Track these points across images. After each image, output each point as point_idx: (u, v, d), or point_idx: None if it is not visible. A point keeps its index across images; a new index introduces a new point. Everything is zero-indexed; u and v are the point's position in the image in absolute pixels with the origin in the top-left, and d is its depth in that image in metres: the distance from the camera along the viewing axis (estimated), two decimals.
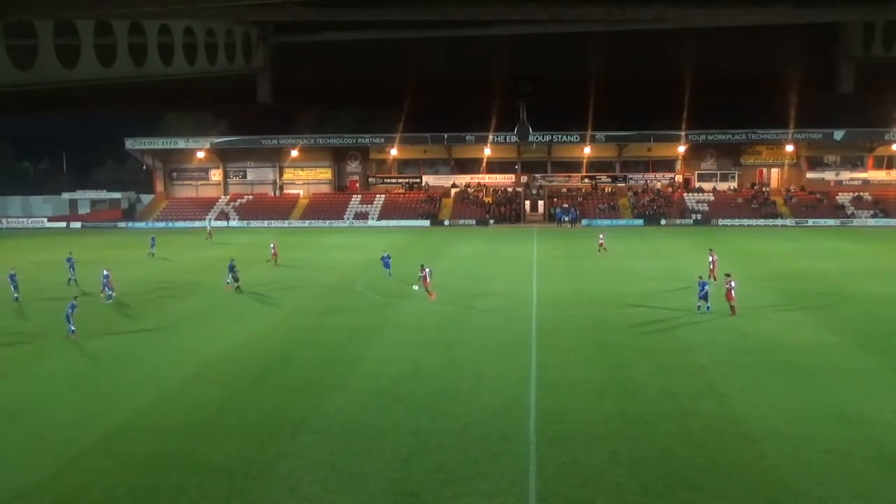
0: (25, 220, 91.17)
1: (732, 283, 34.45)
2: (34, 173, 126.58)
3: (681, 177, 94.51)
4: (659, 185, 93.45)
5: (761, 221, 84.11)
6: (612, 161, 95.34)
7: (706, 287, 35.50)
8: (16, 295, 39.95)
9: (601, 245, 58.37)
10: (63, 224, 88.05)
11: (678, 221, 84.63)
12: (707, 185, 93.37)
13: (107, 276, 40.03)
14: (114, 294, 39.63)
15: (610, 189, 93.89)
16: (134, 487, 17.91)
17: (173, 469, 18.80)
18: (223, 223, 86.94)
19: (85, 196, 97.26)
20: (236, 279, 41.95)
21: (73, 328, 31.82)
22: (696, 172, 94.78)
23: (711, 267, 44.44)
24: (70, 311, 32.06)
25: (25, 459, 19.56)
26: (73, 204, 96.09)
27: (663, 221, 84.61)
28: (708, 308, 35.01)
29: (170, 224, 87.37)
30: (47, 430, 21.55)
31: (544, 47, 12.11)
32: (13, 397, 24.71)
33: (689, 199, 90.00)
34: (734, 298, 34.24)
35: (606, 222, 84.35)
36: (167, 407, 23.57)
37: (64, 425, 21.94)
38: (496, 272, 49.70)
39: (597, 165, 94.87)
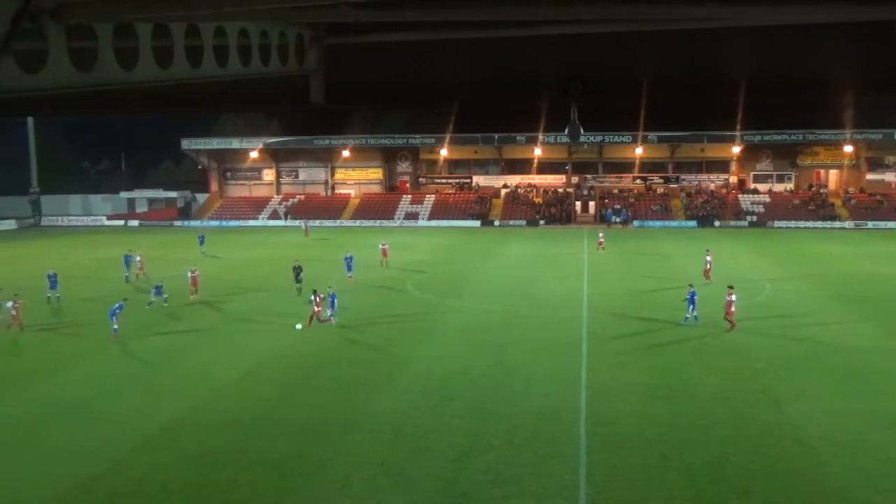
0: (85, 217, 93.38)
1: (733, 297, 31.80)
2: (94, 173, 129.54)
3: (735, 178, 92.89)
4: (713, 186, 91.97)
5: (818, 224, 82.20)
6: (664, 162, 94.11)
7: (696, 296, 33.19)
8: (57, 295, 39.96)
9: (601, 244, 59.75)
10: (121, 222, 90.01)
11: (732, 223, 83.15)
12: (763, 187, 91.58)
13: (158, 288, 39.46)
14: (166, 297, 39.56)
15: (662, 190, 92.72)
16: (188, 482, 18.24)
17: (226, 465, 19.09)
18: (279, 222, 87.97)
19: (142, 195, 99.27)
20: (298, 281, 41.46)
21: (115, 328, 32.27)
22: (752, 173, 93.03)
23: (707, 268, 43.57)
24: (116, 310, 32.58)
25: (84, 452, 20.05)
26: (131, 203, 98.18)
27: (717, 223, 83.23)
28: (696, 318, 33.00)
29: (223, 223, 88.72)
30: (104, 425, 22.07)
31: (595, 47, 11.97)
32: (72, 392, 25.35)
33: (744, 200, 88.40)
34: (733, 313, 31.70)
35: (658, 224, 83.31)
36: (219, 404, 23.94)
37: (120, 420, 22.44)
38: (546, 273, 49.45)
39: (649, 166, 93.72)
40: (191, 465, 19.17)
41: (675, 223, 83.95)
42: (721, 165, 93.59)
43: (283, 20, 11.38)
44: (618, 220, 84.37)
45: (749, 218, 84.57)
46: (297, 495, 17.47)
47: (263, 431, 21.42)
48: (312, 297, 34.13)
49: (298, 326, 33.23)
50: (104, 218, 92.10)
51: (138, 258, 48.42)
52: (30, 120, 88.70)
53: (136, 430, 21.60)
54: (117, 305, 32.86)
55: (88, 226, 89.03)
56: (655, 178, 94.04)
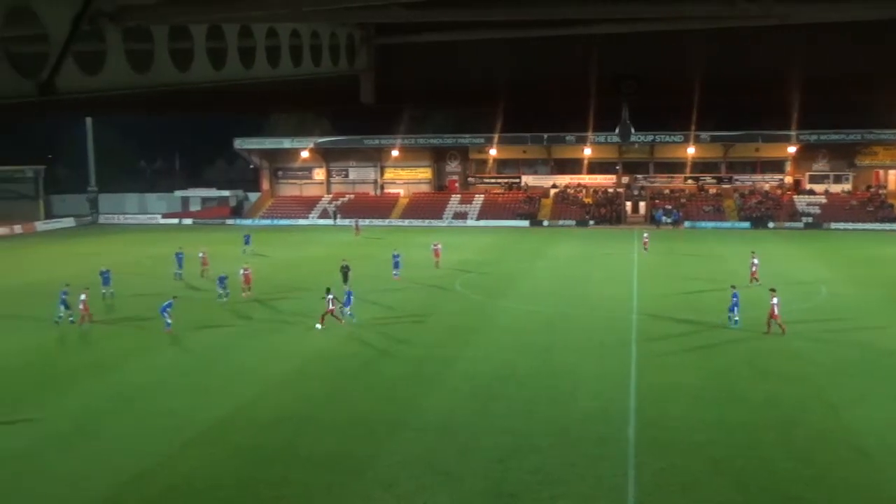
0: (141, 216, 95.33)
1: (776, 300, 31.14)
2: (150, 172, 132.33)
3: (791, 178, 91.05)
4: (767, 186, 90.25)
5: (877, 225, 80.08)
6: (717, 162, 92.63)
7: (737, 298, 32.69)
8: (111, 291, 40.87)
9: (644, 244, 59.41)
10: (175, 220, 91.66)
11: (787, 225, 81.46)
12: (819, 188, 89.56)
13: (222, 280, 40.40)
14: (225, 292, 40.19)
15: (715, 190, 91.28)
16: (239, 478, 18.52)
17: (276, 461, 19.34)
18: (329, 221, 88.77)
19: (196, 194, 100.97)
20: (346, 281, 41.32)
21: (169, 321, 33.01)
22: (808, 174, 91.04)
23: (753, 270, 42.74)
24: (167, 307, 33.22)
25: (138, 445, 20.50)
26: (184, 201, 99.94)
27: (771, 224, 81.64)
28: (736, 322, 32.47)
29: (274, 222, 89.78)
30: (158, 419, 22.53)
31: (646, 45, 11.82)
32: (127, 385, 25.93)
33: (800, 201, 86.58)
34: (778, 316, 31.08)
35: (711, 224, 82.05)
36: (269, 400, 24.26)
37: (173, 414, 22.89)
38: (595, 273, 49.11)
39: (701, 166, 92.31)
40: (242, 461, 19.47)
41: (727, 224, 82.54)
42: (776, 165, 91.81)
43: (335, 21, 11.48)
44: (668, 220, 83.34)
45: (804, 219, 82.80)
46: (344, 492, 17.62)
47: (312, 428, 21.66)
48: (326, 297, 33.59)
49: (318, 327, 33.05)
50: (159, 216, 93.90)
51: (202, 254, 49.46)
52: (88, 120, 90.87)
53: (189, 424, 22.00)
54: (168, 302, 33.54)
55: (144, 224, 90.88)
56: (708, 179, 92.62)
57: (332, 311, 33.31)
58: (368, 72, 13.00)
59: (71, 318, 34.74)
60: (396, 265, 46.69)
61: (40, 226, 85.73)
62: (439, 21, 10.85)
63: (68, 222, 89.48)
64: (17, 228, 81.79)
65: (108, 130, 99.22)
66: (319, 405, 23.69)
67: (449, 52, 12.61)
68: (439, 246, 52.63)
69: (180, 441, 20.76)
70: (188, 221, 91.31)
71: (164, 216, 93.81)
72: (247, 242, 60.93)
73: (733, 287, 33.69)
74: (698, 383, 25.28)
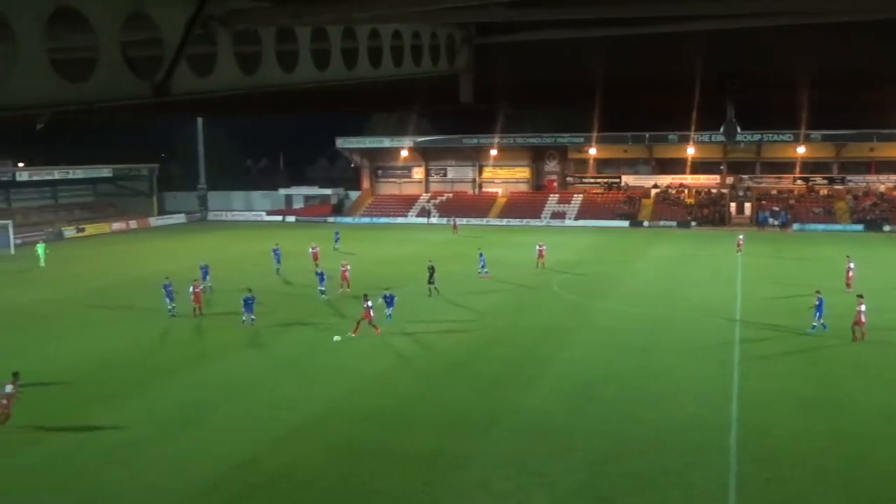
0: (247, 213, 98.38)
1: (863, 308, 29.96)
2: (255, 171, 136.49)
3: None
4: (882, 187, 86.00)
5: None
6: (828, 162, 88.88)
7: (823, 304, 31.52)
8: (209, 285, 41.19)
9: (739, 246, 57.92)
10: (279, 218, 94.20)
11: None
12: None
13: (321, 275, 41.37)
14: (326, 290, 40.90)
15: (826, 192, 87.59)
16: (337, 469, 18.92)
17: (372, 455, 19.64)
18: (423, 220, 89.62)
19: (299, 192, 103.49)
20: (431, 281, 41.05)
21: (253, 317, 33.99)
22: None
23: (849, 275, 40.71)
24: (250, 301, 34.07)
25: (241, 435, 21.18)
26: (288, 199, 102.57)
27: (886, 227, 77.73)
28: (824, 326, 31.24)
29: (374, 220, 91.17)
30: (259, 410, 23.22)
31: (753, 41, 11.44)
32: (230, 377, 26.82)
33: None
34: (864, 323, 29.80)
35: (821, 227, 78.77)
36: (364, 395, 24.66)
37: (273, 406, 23.54)
38: (697, 275, 47.90)
39: (811, 166, 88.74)
40: (338, 454, 19.86)
41: (838, 227, 79.02)
42: (892, 165, 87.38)
43: (436, 21, 11.57)
44: (776, 222, 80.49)
45: None
46: (439, 490, 17.74)
47: (407, 425, 21.90)
48: (364, 303, 31.85)
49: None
50: (264, 213, 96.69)
51: (314, 250, 51.20)
52: (199, 121, 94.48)
53: (288, 416, 22.60)
54: (249, 297, 34.24)
55: (249, 220, 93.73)
56: (818, 179, 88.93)
57: (368, 317, 31.45)
58: (468, 71, 13.06)
59: (174, 310, 36.16)
60: (482, 263, 47.00)
61: (154, 221, 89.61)
62: (538, 20, 10.80)
63: (179, 218, 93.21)
64: (133, 224, 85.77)
65: (217, 130, 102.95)
66: (415, 402, 23.93)
67: (548, 50, 12.53)
68: (544, 247, 51.94)
69: (282, 432, 21.34)
70: (291, 219, 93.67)
71: (269, 213, 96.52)
72: (336, 240, 62.10)
73: (818, 292, 32.40)
74: (804, 391, 24.34)
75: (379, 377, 26.71)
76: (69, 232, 77.03)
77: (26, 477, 18.82)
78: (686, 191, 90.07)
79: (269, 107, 16.58)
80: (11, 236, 65.32)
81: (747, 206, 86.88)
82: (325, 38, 9.76)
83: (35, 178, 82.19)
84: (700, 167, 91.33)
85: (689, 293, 41.48)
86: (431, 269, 41.57)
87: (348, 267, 43.00)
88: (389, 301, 34.36)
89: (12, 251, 62.82)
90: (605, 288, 43.58)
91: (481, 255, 47.68)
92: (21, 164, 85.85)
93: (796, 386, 24.83)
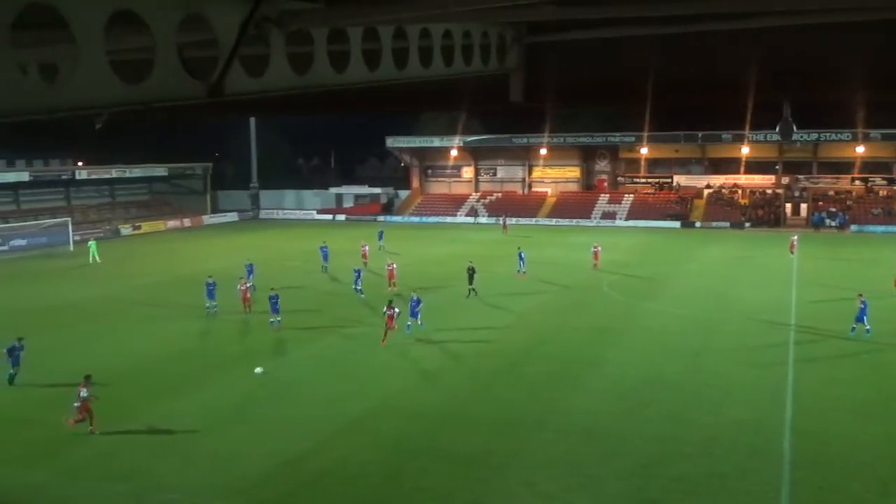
0: (298, 211, 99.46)
1: None
2: (306, 170, 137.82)
3: None
4: None
5: None
6: (889, 162, 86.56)
7: (866, 307, 30.84)
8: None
9: (792, 247, 56.62)
10: (329, 216, 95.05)
11: None
12: None
13: (358, 272, 41.42)
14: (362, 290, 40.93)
15: (886, 192, 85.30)
16: (384, 466, 19.04)
17: (420, 453, 19.73)
18: (470, 220, 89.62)
19: (349, 191, 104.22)
20: (471, 283, 40.44)
21: (279, 318, 33.63)
22: None
23: None
24: (273, 299, 33.89)
25: (293, 430, 21.46)
26: (338, 198, 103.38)
27: None
28: (867, 331, 30.51)
29: (423, 219, 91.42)
30: (309, 407, 23.49)
31: (810, 38, 11.17)
32: (278, 375, 27.11)
33: None
34: None
35: (880, 228, 76.73)
36: (414, 393, 24.78)
37: (325, 403, 23.80)
38: (750, 277, 47.04)
39: (871, 166, 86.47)
40: (387, 452, 19.99)
41: None
42: None
43: (486, 20, 11.56)
44: (833, 223, 78.69)
45: None
46: (485, 489, 17.75)
47: (455, 423, 21.94)
48: (388, 311, 30.37)
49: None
50: (314, 212, 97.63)
51: (365, 247, 51.94)
52: (252, 120, 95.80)
53: (337, 413, 22.81)
54: (273, 295, 34.02)
55: (300, 219, 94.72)
56: (878, 179, 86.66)
57: (391, 326, 30.17)
58: (518, 71, 13.01)
59: (214, 309, 36.63)
60: (522, 262, 46.88)
61: (207, 219, 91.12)
62: (588, 18, 10.72)
63: (232, 217, 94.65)
64: (187, 222, 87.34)
65: (270, 130, 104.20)
66: (463, 401, 23.95)
67: (599, 48, 12.43)
68: (599, 248, 51.24)
69: (332, 428, 21.57)
70: (341, 217, 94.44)
71: (319, 212, 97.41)
72: (380, 239, 62.47)
73: (860, 295, 31.64)
74: (862, 396, 23.76)
75: (427, 376, 26.81)
76: (126, 230, 78.75)
77: (84, 469, 19.33)
78: (740, 191, 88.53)
79: (320, 106, 16.74)
80: (70, 233, 67.06)
81: (803, 206, 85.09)
82: (377, 39, 9.82)
83: (93, 176, 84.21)
84: (754, 167, 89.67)
85: (742, 295, 40.78)
86: (471, 270, 41.00)
87: (395, 265, 43.16)
88: (415, 306, 32.38)
89: (71, 248, 64.44)
90: (655, 289, 43.09)
91: (521, 254, 47.47)
92: (80, 164, 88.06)
93: (853, 391, 24.26)
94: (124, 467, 19.26)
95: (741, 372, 26.48)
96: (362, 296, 40.33)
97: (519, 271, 46.70)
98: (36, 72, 9.45)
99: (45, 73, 9.25)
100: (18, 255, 61.92)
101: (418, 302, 32.60)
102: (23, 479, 18.81)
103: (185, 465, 19.29)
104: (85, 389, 21.45)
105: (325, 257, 50.07)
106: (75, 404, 21.39)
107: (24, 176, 76.45)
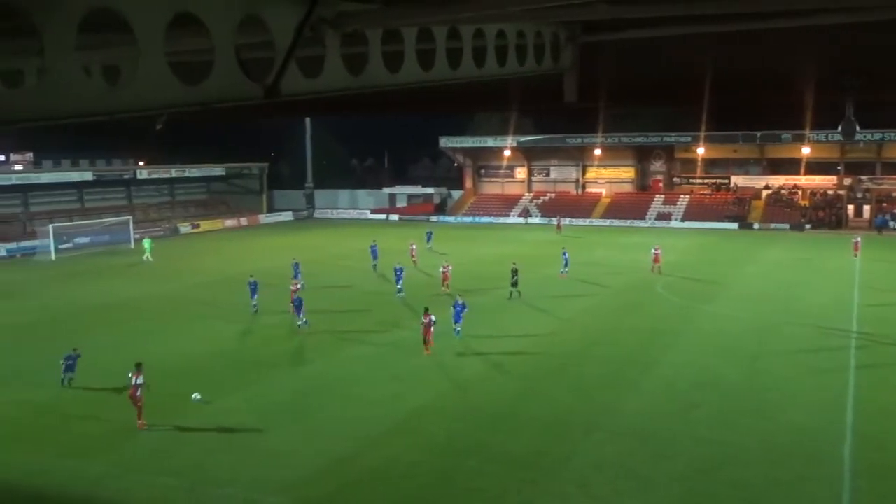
0: (352, 211, 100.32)
1: None
2: (360, 170, 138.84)
3: None
4: None
5: None
6: None
7: None
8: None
9: (855, 248, 55.44)
10: (383, 216, 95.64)
11: None
12: None
13: (399, 271, 41.46)
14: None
15: None
16: (435, 466, 19.10)
17: (471, 453, 19.73)
18: (521, 220, 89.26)
19: (402, 191, 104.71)
20: (515, 283, 39.93)
21: (305, 320, 33.36)
22: None
23: None
24: (296, 303, 33.92)
25: (345, 430, 21.64)
26: (392, 198, 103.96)
27: None
28: None
29: (476, 219, 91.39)
30: (360, 407, 23.64)
31: (873, 35, 10.88)
32: (327, 374, 27.40)
33: None
34: None
35: None
36: (463, 395, 24.77)
37: (373, 403, 23.93)
38: (810, 280, 45.96)
39: None
40: (438, 452, 20.04)
41: None
42: None
43: (540, 20, 11.52)
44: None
45: None
46: (538, 490, 17.67)
47: (506, 424, 21.88)
48: (425, 320, 29.44)
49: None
50: (368, 211, 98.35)
51: (413, 246, 52.48)
52: (307, 120, 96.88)
53: (389, 412, 22.93)
54: (296, 298, 34.20)
55: (354, 218, 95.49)
56: None
57: (429, 340, 29.31)
58: (572, 70, 12.94)
59: (255, 307, 37.04)
60: (566, 262, 46.54)
61: (263, 218, 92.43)
62: (643, 17, 10.61)
63: (287, 216, 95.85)
64: (244, 221, 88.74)
65: (325, 130, 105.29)
66: (514, 402, 23.89)
67: (654, 47, 12.29)
68: (660, 250, 49.28)
69: (382, 427, 21.69)
70: (394, 217, 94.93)
71: (373, 212, 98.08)
72: (428, 239, 62.53)
73: None
74: None
75: (478, 377, 26.78)
76: (185, 228, 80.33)
77: (138, 463, 19.76)
78: (800, 192, 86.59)
79: (375, 106, 16.87)
80: (132, 231, 68.68)
81: (866, 208, 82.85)
82: (431, 39, 9.86)
83: (154, 176, 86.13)
84: (815, 167, 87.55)
85: (802, 298, 39.90)
86: (515, 272, 40.38)
87: (450, 267, 43.09)
88: (459, 311, 31.60)
89: (132, 245, 65.92)
90: (712, 291, 42.39)
91: (564, 253, 47.07)
92: (141, 163, 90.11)
93: None
94: (178, 462, 19.65)
95: (800, 377, 25.92)
96: (400, 294, 40.32)
97: (561, 272, 46.27)
98: (99, 73, 9.72)
99: (108, 74, 9.51)
100: (82, 252, 63.58)
101: (463, 307, 32.00)
102: (81, 471, 19.33)
103: (237, 462, 19.59)
104: (139, 377, 21.90)
105: (375, 255, 50.46)
106: (137, 392, 21.70)
107: (88, 175, 78.54)
